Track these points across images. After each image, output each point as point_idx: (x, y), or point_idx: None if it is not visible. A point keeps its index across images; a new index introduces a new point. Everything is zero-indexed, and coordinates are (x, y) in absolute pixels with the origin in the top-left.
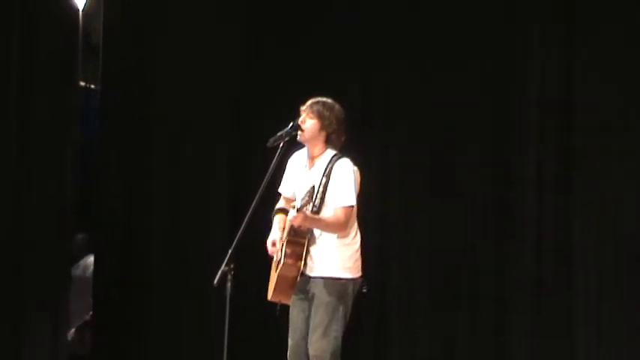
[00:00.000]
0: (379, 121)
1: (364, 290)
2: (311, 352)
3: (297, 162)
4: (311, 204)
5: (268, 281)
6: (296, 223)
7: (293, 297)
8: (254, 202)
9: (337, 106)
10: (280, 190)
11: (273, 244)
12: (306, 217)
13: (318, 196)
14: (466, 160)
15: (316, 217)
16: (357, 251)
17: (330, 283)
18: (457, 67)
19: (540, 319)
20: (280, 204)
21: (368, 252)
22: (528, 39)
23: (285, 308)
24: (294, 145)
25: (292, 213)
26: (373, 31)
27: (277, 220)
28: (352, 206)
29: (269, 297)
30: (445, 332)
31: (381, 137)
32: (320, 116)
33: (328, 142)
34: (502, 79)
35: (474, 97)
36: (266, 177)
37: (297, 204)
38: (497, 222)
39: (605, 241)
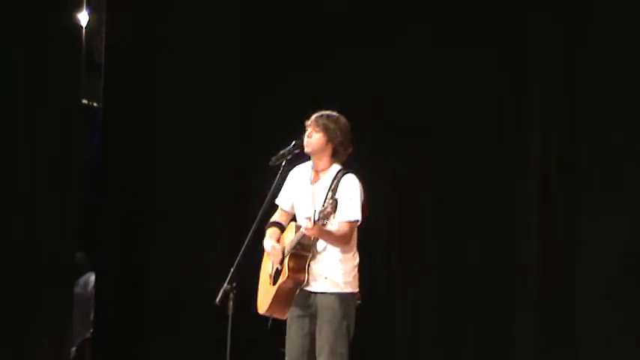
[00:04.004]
0: (383, 125)
1: (358, 302)
2: None
3: (299, 175)
4: (331, 217)
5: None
6: (310, 234)
7: (291, 313)
8: (256, 220)
9: (342, 118)
10: (278, 201)
11: (274, 248)
12: (321, 230)
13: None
14: (470, 166)
15: (329, 230)
16: (355, 266)
17: (333, 298)
18: (460, 69)
19: (545, 325)
20: (275, 217)
21: (372, 256)
22: (532, 40)
23: (277, 321)
24: (296, 161)
25: (307, 223)
26: (376, 34)
27: (269, 233)
28: (357, 221)
29: (262, 310)
30: (449, 338)
31: (384, 141)
32: (326, 129)
33: (334, 156)
34: (505, 80)
35: (478, 98)
36: (269, 195)
37: (314, 215)
38: (502, 227)
39: (610, 245)
